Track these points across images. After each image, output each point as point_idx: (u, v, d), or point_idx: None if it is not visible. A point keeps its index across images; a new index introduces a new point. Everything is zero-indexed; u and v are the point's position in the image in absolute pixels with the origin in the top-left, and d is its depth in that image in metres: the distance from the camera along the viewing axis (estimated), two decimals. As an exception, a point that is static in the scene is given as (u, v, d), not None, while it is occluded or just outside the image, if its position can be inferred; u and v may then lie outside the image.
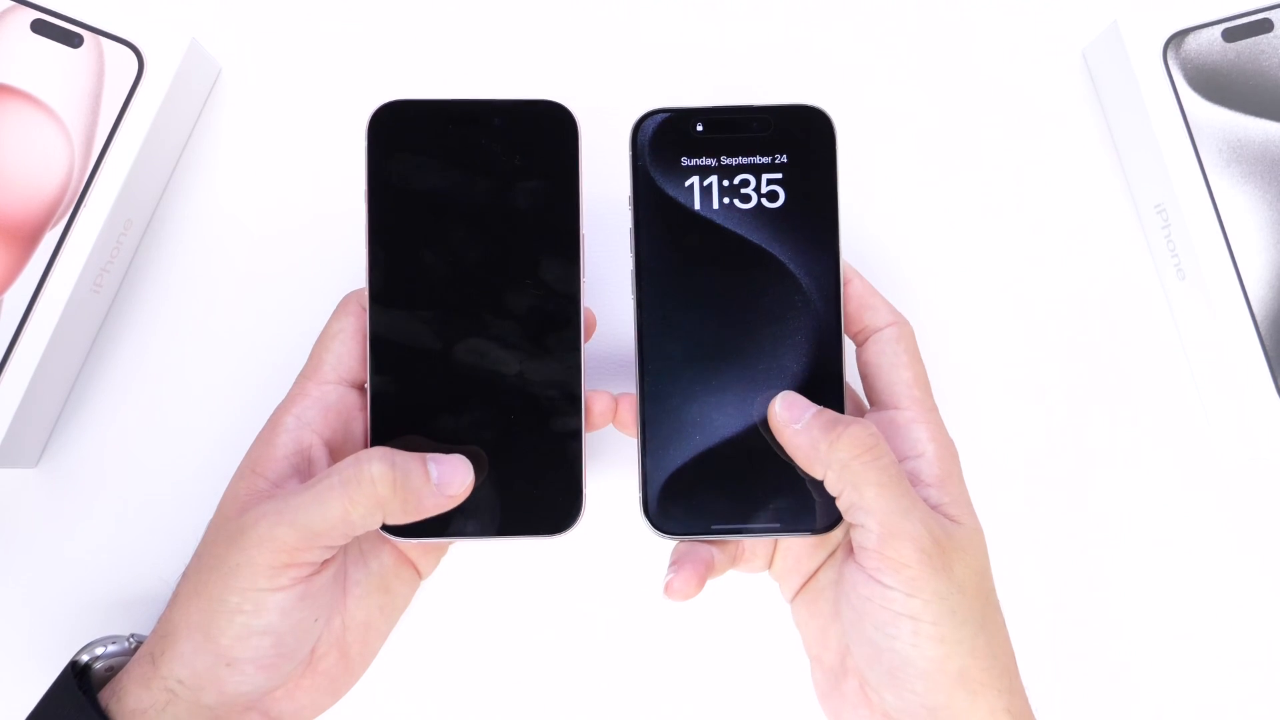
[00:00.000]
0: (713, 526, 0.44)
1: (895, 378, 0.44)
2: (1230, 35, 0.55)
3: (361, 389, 0.45)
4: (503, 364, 0.44)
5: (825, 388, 0.44)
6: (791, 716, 0.54)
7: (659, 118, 0.45)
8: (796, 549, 0.46)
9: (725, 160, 0.45)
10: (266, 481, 0.42)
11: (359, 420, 0.45)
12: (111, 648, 0.48)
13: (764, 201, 0.44)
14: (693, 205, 0.45)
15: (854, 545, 0.42)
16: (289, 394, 0.44)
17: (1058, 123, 0.59)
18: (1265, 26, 0.55)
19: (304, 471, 0.43)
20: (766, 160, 0.45)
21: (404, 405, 0.44)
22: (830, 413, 0.42)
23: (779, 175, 0.45)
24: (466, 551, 0.53)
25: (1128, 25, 0.55)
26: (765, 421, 0.44)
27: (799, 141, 0.45)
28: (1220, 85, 0.54)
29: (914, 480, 0.42)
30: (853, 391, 0.47)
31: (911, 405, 0.44)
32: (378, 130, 0.44)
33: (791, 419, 0.42)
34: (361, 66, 0.58)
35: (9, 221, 0.51)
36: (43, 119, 0.51)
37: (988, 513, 0.44)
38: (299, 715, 0.44)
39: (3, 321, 0.50)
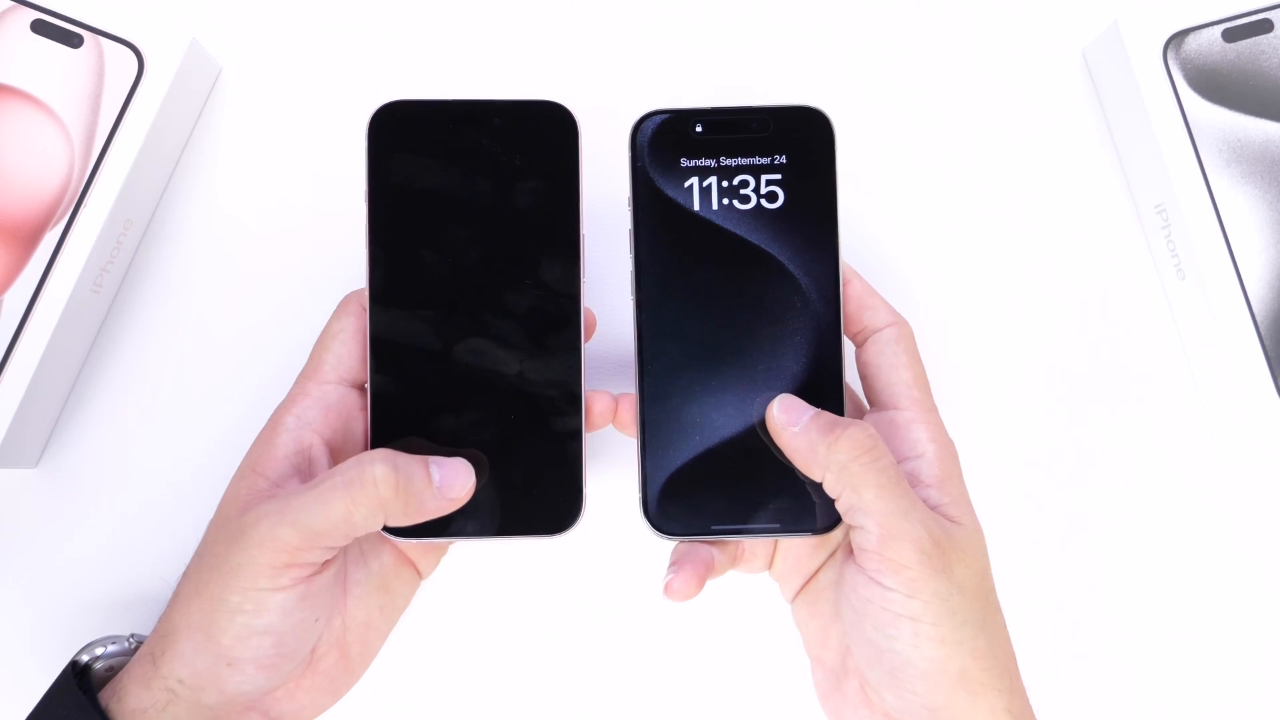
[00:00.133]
0: (712, 527, 0.44)
1: (895, 378, 0.44)
2: (1230, 35, 0.54)
3: (362, 389, 0.45)
4: (503, 364, 0.44)
5: (825, 388, 0.44)
6: (792, 717, 0.54)
7: (658, 118, 0.45)
8: (796, 549, 0.46)
9: (724, 161, 0.45)
10: (267, 481, 0.42)
11: (359, 420, 0.45)
12: (112, 648, 0.48)
13: (763, 202, 0.44)
14: (692, 206, 0.45)
15: (854, 547, 0.42)
16: (289, 394, 0.44)
17: (1058, 123, 0.59)
18: (1265, 26, 0.55)
19: (304, 471, 0.43)
20: (766, 161, 0.45)
21: (404, 405, 0.44)
22: (828, 415, 0.42)
23: (778, 176, 0.45)
24: (466, 551, 0.53)
25: (1128, 25, 0.55)
26: (765, 422, 0.44)
27: (798, 142, 0.45)
28: (1220, 85, 0.54)
29: (914, 481, 0.42)
30: (852, 392, 0.47)
31: (911, 406, 0.44)
32: (378, 130, 0.44)
33: (790, 421, 0.42)
34: (361, 66, 0.58)
35: (9, 221, 0.51)
36: (43, 119, 0.51)
37: (988, 513, 0.44)
38: (299, 715, 0.44)
39: (3, 321, 0.50)
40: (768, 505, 0.44)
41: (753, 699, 0.55)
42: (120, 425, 0.55)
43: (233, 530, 0.40)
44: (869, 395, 0.46)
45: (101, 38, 0.52)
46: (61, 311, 0.51)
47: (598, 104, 0.50)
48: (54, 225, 0.51)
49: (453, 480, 0.42)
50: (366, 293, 0.44)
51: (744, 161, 0.45)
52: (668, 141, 0.45)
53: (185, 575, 0.42)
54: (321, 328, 0.45)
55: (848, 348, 0.45)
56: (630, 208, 0.45)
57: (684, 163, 0.45)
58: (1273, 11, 0.55)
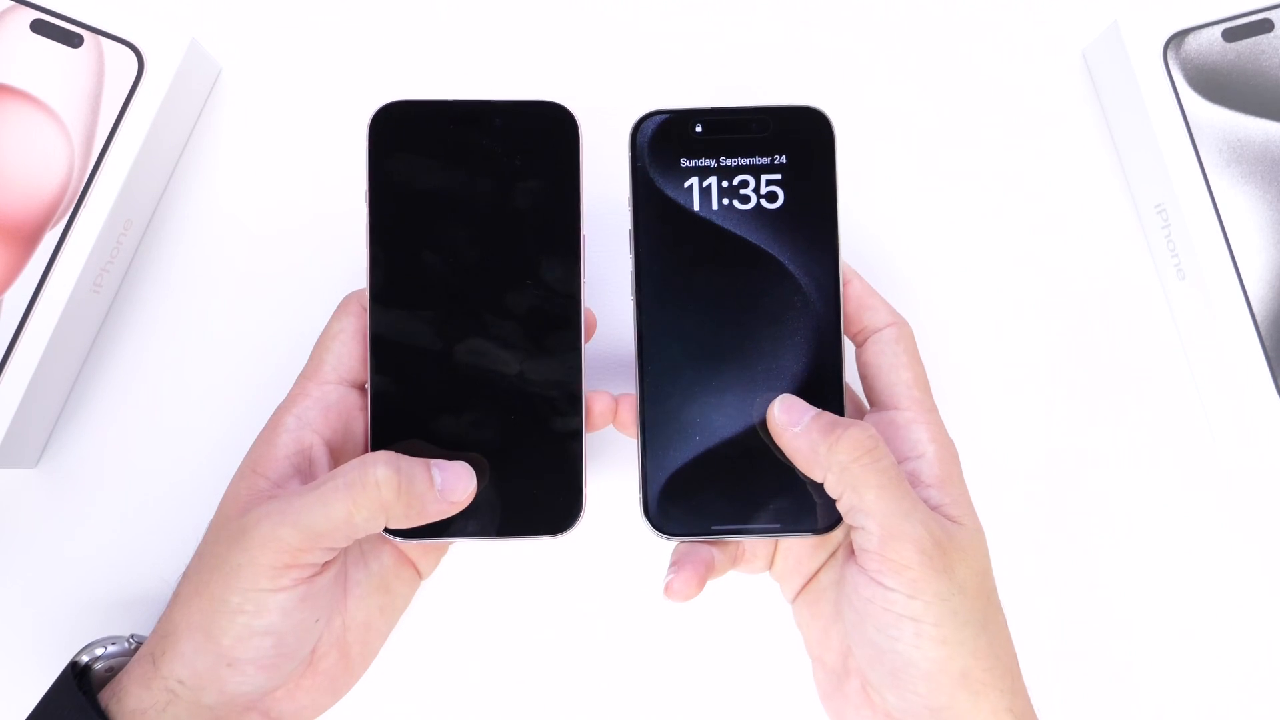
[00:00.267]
0: (713, 527, 0.44)
1: (895, 378, 0.44)
2: (1230, 35, 0.54)
3: (362, 389, 0.45)
4: (503, 364, 0.44)
5: (825, 388, 0.44)
6: (793, 717, 0.54)
7: (658, 119, 0.45)
8: (797, 549, 0.46)
9: (724, 161, 0.45)
10: (267, 481, 0.42)
11: (359, 420, 0.45)
12: (111, 648, 0.48)
13: (763, 202, 0.44)
14: (692, 206, 0.44)
15: (855, 547, 0.42)
16: (289, 394, 0.44)
17: (1058, 123, 0.59)
18: (1265, 26, 0.55)
19: (305, 471, 0.43)
20: (765, 161, 0.45)
21: (404, 405, 0.44)
22: (829, 415, 0.42)
23: (778, 176, 0.45)
24: (466, 551, 0.53)
25: (1128, 25, 0.55)
26: (765, 423, 0.44)
27: (798, 142, 0.45)
28: (1220, 85, 0.54)
29: (914, 481, 0.42)
30: (852, 392, 0.47)
31: (911, 406, 0.44)
32: (378, 130, 0.44)
33: (790, 422, 0.42)
34: (361, 66, 0.58)
35: (9, 221, 0.51)
36: (43, 119, 0.51)
37: (988, 513, 0.44)
38: (299, 715, 0.44)
39: (3, 321, 0.50)
40: (768, 505, 0.44)
41: (753, 699, 0.55)
42: (120, 425, 0.55)
43: (233, 530, 0.40)
44: (869, 395, 0.46)
45: (101, 38, 0.52)
46: (61, 311, 0.51)
47: (598, 104, 0.50)
48: (54, 225, 0.51)
49: (454, 483, 0.42)
50: (367, 293, 0.44)
51: (744, 161, 0.45)
52: (667, 141, 0.45)
53: (185, 575, 0.42)
54: (322, 328, 0.45)
55: (848, 348, 0.45)
56: (630, 208, 0.45)
57: (684, 163, 0.45)
58: (1273, 11, 0.55)
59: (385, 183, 0.44)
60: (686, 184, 0.45)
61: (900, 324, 0.45)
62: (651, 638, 0.55)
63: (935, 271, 0.57)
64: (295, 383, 0.45)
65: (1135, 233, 0.58)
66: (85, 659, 0.47)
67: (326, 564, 0.42)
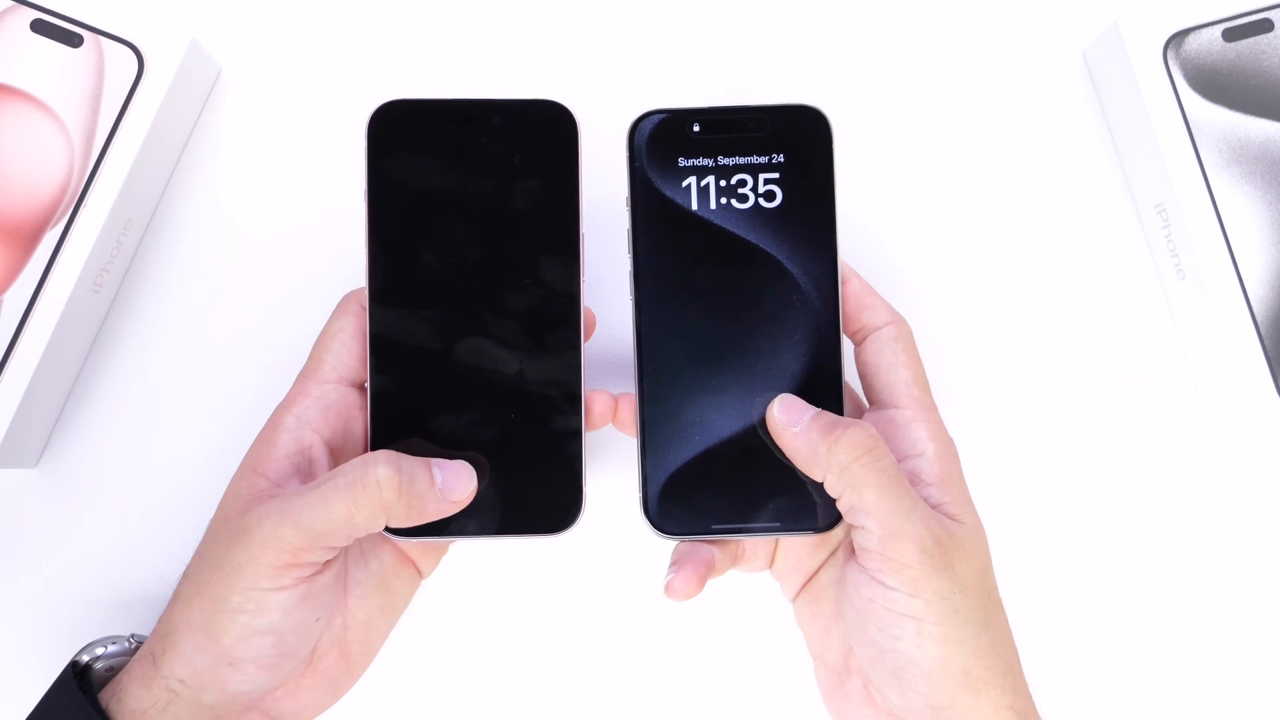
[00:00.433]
0: (713, 526, 0.44)
1: (894, 377, 0.44)
2: (1230, 35, 0.54)
3: (361, 388, 0.45)
4: (503, 363, 0.44)
5: (824, 387, 0.44)
6: (794, 716, 0.54)
7: (655, 118, 0.45)
8: (797, 548, 0.46)
9: (722, 160, 0.45)
10: (268, 481, 0.42)
11: (359, 419, 0.45)
12: (112, 648, 0.48)
13: (761, 201, 0.44)
14: (690, 205, 0.44)
15: (855, 547, 0.42)
16: (289, 393, 0.44)
17: (1058, 123, 0.59)
18: (1265, 26, 0.55)
19: (305, 471, 0.43)
20: (763, 160, 0.45)
21: (404, 404, 0.44)
22: (829, 415, 0.42)
23: (776, 175, 0.44)
24: (466, 551, 0.53)
25: (1128, 25, 0.55)
26: (765, 422, 0.44)
27: (796, 141, 0.45)
28: (1220, 85, 0.54)
29: (914, 479, 0.42)
30: (852, 391, 0.47)
31: (911, 404, 0.44)
32: (377, 130, 0.44)
33: (790, 422, 0.42)
34: (361, 66, 0.58)
35: (9, 221, 0.51)
36: (43, 119, 0.51)
37: (989, 512, 0.44)
38: (299, 714, 0.44)
39: (3, 321, 0.50)
40: (768, 504, 0.44)
41: (754, 699, 0.55)
42: (120, 425, 0.55)
43: (234, 530, 0.40)
44: (868, 394, 0.46)
45: (101, 37, 0.52)
46: (61, 311, 0.51)
47: (598, 103, 0.50)
48: (54, 225, 0.51)
49: (455, 483, 0.42)
50: (366, 292, 0.44)
51: (742, 161, 0.45)
52: (665, 141, 0.45)
53: (185, 575, 0.42)
54: (321, 327, 0.45)
55: (847, 347, 0.45)
56: (628, 207, 0.45)
57: (682, 162, 0.45)
58: (1273, 11, 0.55)
59: (384, 182, 0.44)
60: (684, 183, 0.45)
61: (899, 322, 0.45)
62: (652, 637, 0.55)
63: (935, 271, 0.57)
64: (295, 382, 0.45)
65: (1135, 233, 0.58)
66: (85, 659, 0.47)
67: (327, 563, 0.42)
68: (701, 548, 0.44)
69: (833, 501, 0.42)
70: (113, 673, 0.44)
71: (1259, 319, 0.52)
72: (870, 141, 0.58)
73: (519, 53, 0.58)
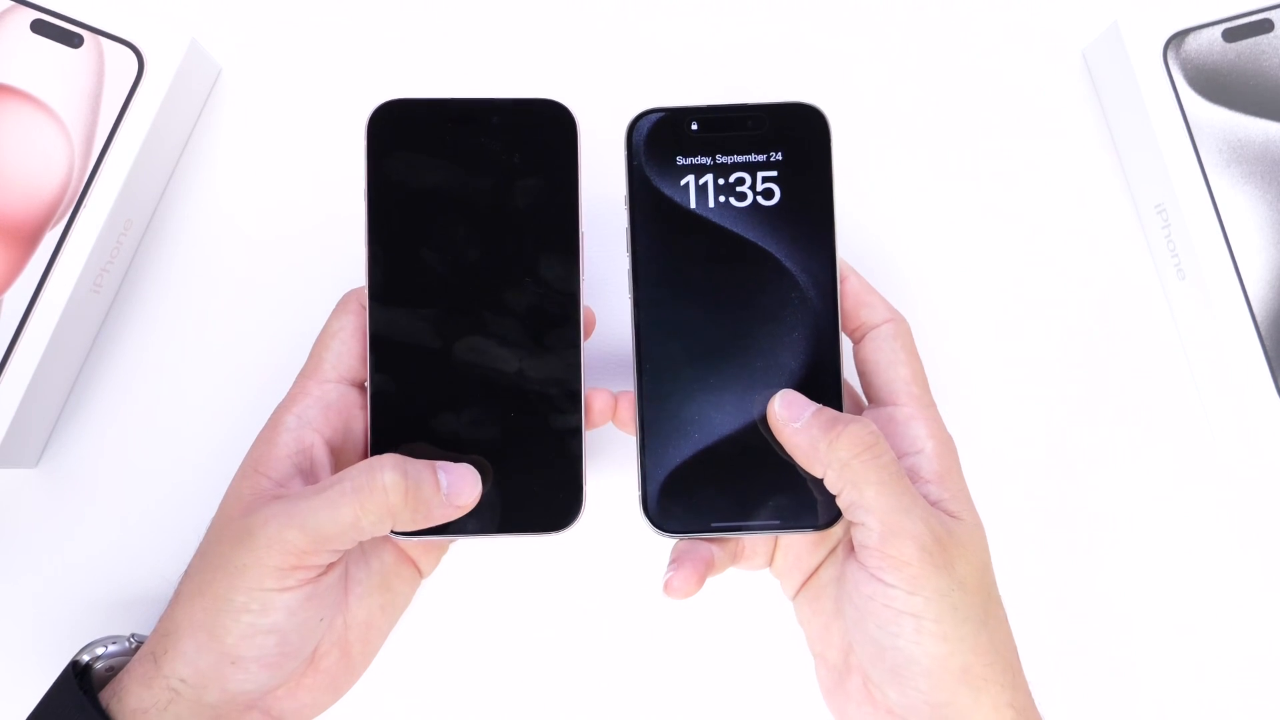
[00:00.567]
0: (712, 524, 0.44)
1: (893, 374, 0.44)
2: (1230, 35, 0.55)
3: (362, 387, 0.45)
4: (502, 362, 0.44)
5: (823, 385, 0.44)
6: (795, 714, 0.54)
7: (654, 117, 0.45)
8: (797, 546, 0.46)
9: (721, 159, 0.45)
10: (269, 480, 0.42)
11: (359, 419, 0.45)
12: (112, 648, 0.48)
13: (760, 199, 0.44)
14: (688, 204, 0.44)
15: (855, 544, 0.42)
16: (290, 393, 0.44)
17: (1058, 123, 0.59)
18: (1265, 26, 0.55)
19: (306, 470, 0.43)
20: (762, 158, 0.45)
21: (404, 403, 0.44)
22: (829, 411, 0.42)
23: (774, 173, 0.45)
24: (467, 549, 0.53)
25: (1128, 25, 0.55)
26: (764, 419, 0.44)
27: (794, 139, 0.45)
28: (1220, 85, 0.54)
29: (913, 477, 0.42)
30: (851, 388, 0.47)
31: (910, 402, 0.44)
32: (377, 129, 0.44)
33: (791, 418, 0.42)
34: (361, 66, 0.58)
35: (9, 221, 0.51)
36: (43, 119, 0.51)
37: (988, 509, 0.44)
38: (300, 714, 0.44)
39: (3, 321, 0.50)
40: (767, 502, 0.44)
41: (755, 697, 0.55)
42: (120, 425, 0.55)
43: (238, 530, 0.40)
44: (867, 391, 0.46)
45: (101, 38, 0.52)
46: (61, 311, 0.51)
47: (597, 103, 0.50)
48: (54, 225, 0.51)
49: (460, 488, 0.42)
50: (366, 291, 0.44)
51: (740, 159, 0.45)
52: (663, 139, 0.45)
53: (187, 574, 0.42)
54: (321, 327, 0.45)
55: (845, 345, 0.45)
56: (627, 206, 0.45)
57: (680, 161, 0.45)
58: (1273, 11, 0.55)
59: (384, 181, 0.44)
60: (683, 182, 0.45)
61: (898, 320, 0.45)
62: (651, 635, 0.55)
63: (934, 270, 0.57)
64: (295, 381, 0.45)
65: (1135, 233, 0.58)
66: (86, 658, 0.47)
67: (331, 565, 0.42)
68: (701, 546, 0.44)
69: (832, 499, 0.42)
70: (113, 672, 0.44)
71: (1259, 319, 0.52)
72: (869, 140, 0.58)
73: (519, 53, 0.58)
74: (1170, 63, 0.54)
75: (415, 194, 0.44)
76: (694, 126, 0.45)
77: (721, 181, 0.44)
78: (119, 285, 0.56)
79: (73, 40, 0.52)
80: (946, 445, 0.43)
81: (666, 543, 0.45)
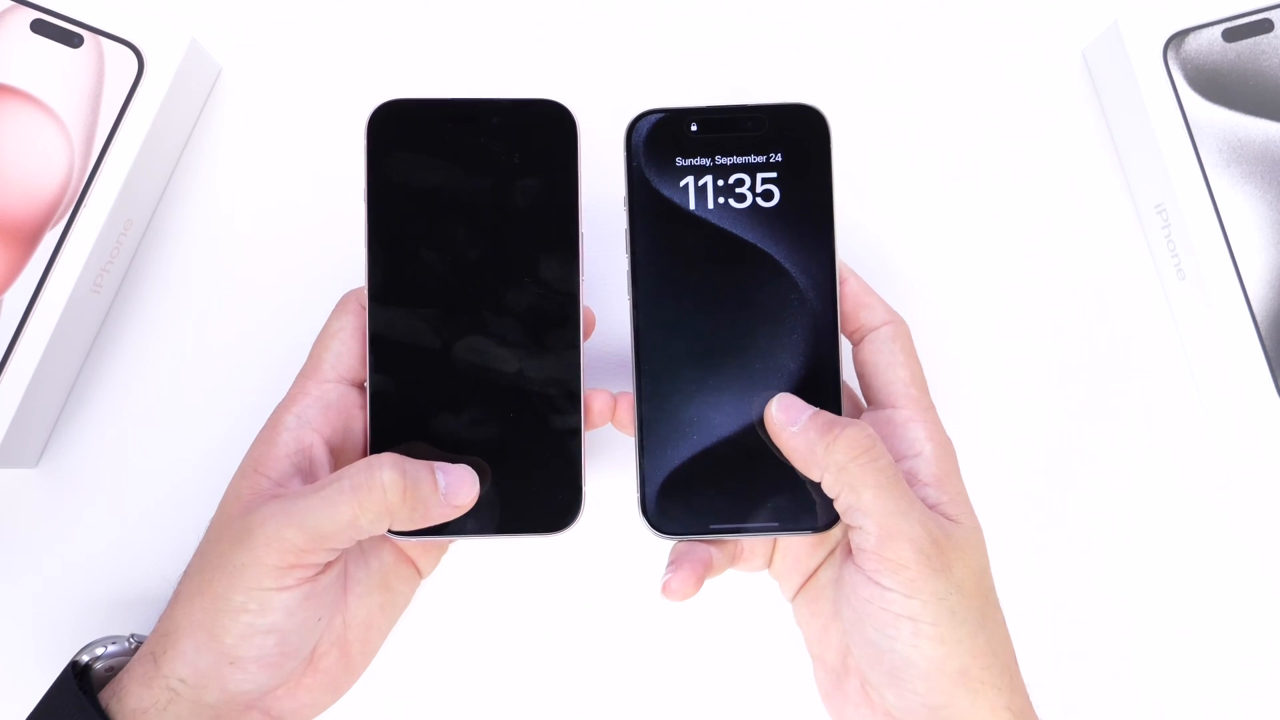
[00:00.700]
0: (711, 526, 0.44)
1: (892, 376, 0.44)
2: (1230, 35, 0.54)
3: (361, 387, 0.45)
4: (502, 362, 0.44)
5: (822, 386, 0.44)
6: (794, 715, 0.54)
7: (653, 118, 0.45)
8: (795, 548, 0.46)
9: (720, 160, 0.45)
10: (269, 480, 0.42)
11: (359, 418, 0.45)
12: (112, 648, 0.48)
13: (759, 201, 0.44)
14: (688, 205, 0.44)
15: (853, 547, 0.42)
16: (289, 393, 0.44)
17: (1058, 123, 0.59)
18: (1265, 26, 0.55)
19: (306, 470, 0.43)
20: (761, 159, 0.45)
21: (403, 403, 0.44)
22: (827, 414, 0.42)
23: (774, 174, 0.44)
24: (466, 551, 0.53)
25: (1128, 25, 0.55)
26: (763, 421, 0.44)
27: (794, 140, 0.45)
28: (1220, 85, 0.54)
29: (912, 479, 0.42)
30: (850, 390, 0.47)
31: (908, 404, 0.44)
32: (377, 129, 0.44)
33: (788, 421, 0.42)
34: (361, 66, 0.58)
35: (9, 221, 0.51)
36: (43, 119, 0.51)
37: (987, 512, 0.44)
38: (299, 714, 0.44)
39: (3, 321, 0.50)
40: (766, 504, 0.44)
41: (754, 699, 0.55)
42: (120, 425, 0.55)
43: (237, 530, 0.41)
44: (866, 394, 0.46)
45: (101, 38, 0.52)
46: (61, 311, 0.51)
47: (597, 103, 0.50)
48: (54, 225, 0.51)
49: (458, 488, 0.42)
50: (365, 291, 0.44)
51: (739, 160, 0.45)
52: (663, 140, 0.45)
53: (186, 574, 0.42)
54: (321, 327, 0.45)
55: (845, 346, 0.45)
56: (626, 207, 0.45)
57: (679, 162, 0.45)
58: (1273, 11, 0.55)
59: (384, 181, 0.44)
60: (682, 183, 0.44)
61: (897, 322, 0.45)
62: (650, 637, 0.55)
63: (934, 271, 0.57)
64: (294, 381, 0.45)
65: (1135, 233, 0.58)
66: (85, 658, 0.47)
67: (329, 564, 0.42)
68: (699, 547, 0.44)
69: (830, 501, 0.42)
70: (113, 672, 0.44)
71: (1259, 319, 0.52)
72: (869, 141, 0.58)
73: (519, 53, 0.58)
74: (1170, 63, 0.54)
75: (415, 194, 0.44)
76: (693, 127, 0.45)
77: (721, 182, 0.44)
78: (119, 285, 0.56)
79: (73, 40, 0.52)
80: (945, 448, 0.43)
81: (665, 544, 0.45)
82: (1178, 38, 0.54)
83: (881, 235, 0.57)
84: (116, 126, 0.52)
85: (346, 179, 0.55)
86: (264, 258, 0.56)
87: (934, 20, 0.59)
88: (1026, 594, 0.55)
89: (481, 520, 0.44)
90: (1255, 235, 0.53)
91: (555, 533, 0.44)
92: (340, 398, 0.44)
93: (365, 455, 0.44)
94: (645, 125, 0.45)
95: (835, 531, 0.44)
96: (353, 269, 0.53)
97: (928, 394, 0.44)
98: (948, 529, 0.41)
